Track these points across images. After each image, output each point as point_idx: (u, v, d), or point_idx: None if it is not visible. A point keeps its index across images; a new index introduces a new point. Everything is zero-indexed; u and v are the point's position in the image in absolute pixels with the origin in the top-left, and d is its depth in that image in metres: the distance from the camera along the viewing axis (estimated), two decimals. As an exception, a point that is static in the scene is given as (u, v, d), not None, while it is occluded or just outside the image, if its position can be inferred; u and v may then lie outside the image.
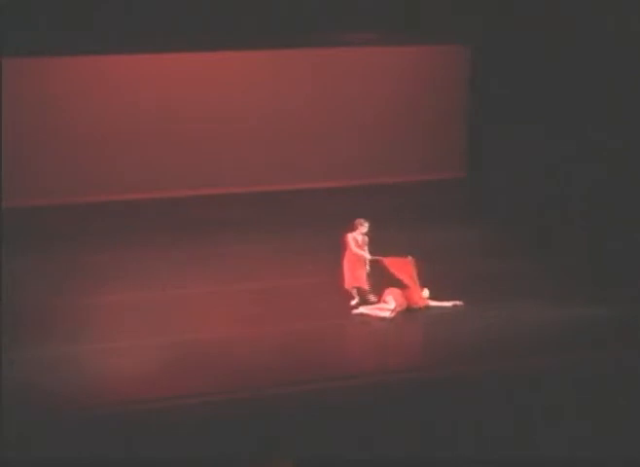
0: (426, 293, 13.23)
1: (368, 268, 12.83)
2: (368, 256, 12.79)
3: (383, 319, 12.85)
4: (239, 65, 17.42)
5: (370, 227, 12.78)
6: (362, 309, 12.97)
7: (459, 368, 11.11)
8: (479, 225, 16.67)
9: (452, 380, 10.77)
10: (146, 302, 13.17)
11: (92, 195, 16.99)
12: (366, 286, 12.86)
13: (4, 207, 14.06)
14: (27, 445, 9.20)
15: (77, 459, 9.20)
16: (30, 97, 16.21)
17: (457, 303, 13.18)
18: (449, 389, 10.54)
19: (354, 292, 12.91)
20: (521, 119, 17.01)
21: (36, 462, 9.16)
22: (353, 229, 12.82)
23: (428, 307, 13.23)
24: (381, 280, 12.88)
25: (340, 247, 12.83)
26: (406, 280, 12.88)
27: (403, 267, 12.93)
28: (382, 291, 13.11)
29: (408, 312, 13.00)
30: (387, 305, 13.01)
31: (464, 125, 18.52)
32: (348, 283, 12.88)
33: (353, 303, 12.87)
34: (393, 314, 12.91)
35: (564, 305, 13.09)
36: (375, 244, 12.99)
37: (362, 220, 12.81)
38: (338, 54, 17.55)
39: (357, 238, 12.82)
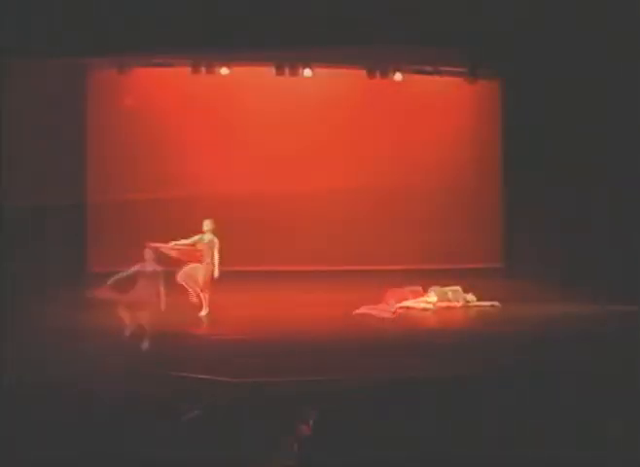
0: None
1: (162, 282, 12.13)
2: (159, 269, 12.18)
3: (384, 320, 12.88)
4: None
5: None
6: (363, 310, 13.00)
7: (459, 368, 11.10)
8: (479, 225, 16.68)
9: (452, 380, 10.75)
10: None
11: (93, 195, 17.02)
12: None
13: (4, 207, 14.04)
14: (27, 443, 9.19)
15: (77, 459, 9.19)
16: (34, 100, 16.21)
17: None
18: (449, 389, 10.53)
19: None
20: (522, 120, 17.02)
21: (36, 462, 9.15)
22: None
23: (427, 309, 13.28)
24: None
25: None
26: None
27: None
28: (385, 292, 13.16)
29: (409, 313, 13.03)
30: (388, 306, 13.05)
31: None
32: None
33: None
34: (394, 315, 12.95)
35: (564, 304, 13.11)
36: (377, 243, 12.97)
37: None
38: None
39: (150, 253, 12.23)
